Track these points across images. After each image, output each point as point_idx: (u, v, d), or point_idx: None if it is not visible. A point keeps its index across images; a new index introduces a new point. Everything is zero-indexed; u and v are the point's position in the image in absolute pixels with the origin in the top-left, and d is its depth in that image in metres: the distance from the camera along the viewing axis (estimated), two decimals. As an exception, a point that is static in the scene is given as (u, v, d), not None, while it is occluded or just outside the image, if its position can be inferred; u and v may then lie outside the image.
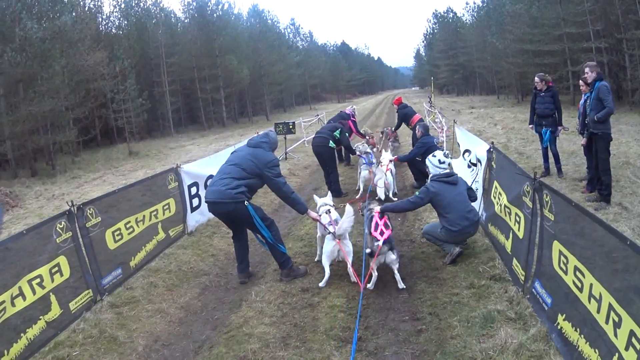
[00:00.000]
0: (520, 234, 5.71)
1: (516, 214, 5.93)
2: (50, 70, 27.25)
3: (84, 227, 6.27)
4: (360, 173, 11.80)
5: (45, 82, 27.51)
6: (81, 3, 41.95)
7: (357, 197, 11.30)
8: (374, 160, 11.95)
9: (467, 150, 10.78)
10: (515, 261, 5.86)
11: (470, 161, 10.02)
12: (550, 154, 11.59)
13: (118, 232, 6.99)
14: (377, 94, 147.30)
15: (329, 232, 6.66)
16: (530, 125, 12.12)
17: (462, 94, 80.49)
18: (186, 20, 54.78)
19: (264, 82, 61.54)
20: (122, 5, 48.80)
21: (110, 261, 6.77)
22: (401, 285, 6.34)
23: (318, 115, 29.76)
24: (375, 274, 6.46)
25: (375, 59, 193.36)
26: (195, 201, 9.71)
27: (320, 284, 6.51)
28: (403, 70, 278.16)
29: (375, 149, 13.90)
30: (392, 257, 6.37)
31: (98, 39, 39.30)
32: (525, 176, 5.66)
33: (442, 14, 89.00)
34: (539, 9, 39.10)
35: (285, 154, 18.50)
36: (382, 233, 6.45)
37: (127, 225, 7.23)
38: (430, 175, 7.51)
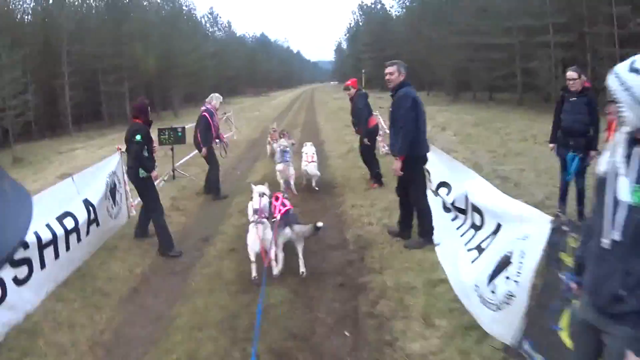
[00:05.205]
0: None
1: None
2: None
3: None
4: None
5: None
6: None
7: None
8: (288, 158, 11.62)
9: (443, 184, 7.71)
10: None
11: (452, 204, 7.13)
12: (571, 188, 8.18)
13: None
14: (295, 88, 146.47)
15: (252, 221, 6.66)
16: (552, 145, 8.40)
17: (388, 90, 77.32)
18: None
19: (174, 73, 55.79)
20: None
21: None
22: (302, 269, 6.40)
23: (226, 113, 24.38)
24: (281, 254, 6.53)
25: (295, 52, 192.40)
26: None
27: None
28: (322, 64, 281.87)
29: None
30: (286, 231, 6.50)
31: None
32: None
33: (370, 5, 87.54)
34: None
35: (173, 172, 13.24)
36: (279, 211, 6.69)
37: None
38: None
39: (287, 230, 6.48)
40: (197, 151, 11.74)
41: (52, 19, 42.05)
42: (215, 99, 11.36)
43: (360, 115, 11.06)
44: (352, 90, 11.38)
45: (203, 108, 11.20)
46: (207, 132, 10.93)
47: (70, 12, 43.74)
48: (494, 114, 29.29)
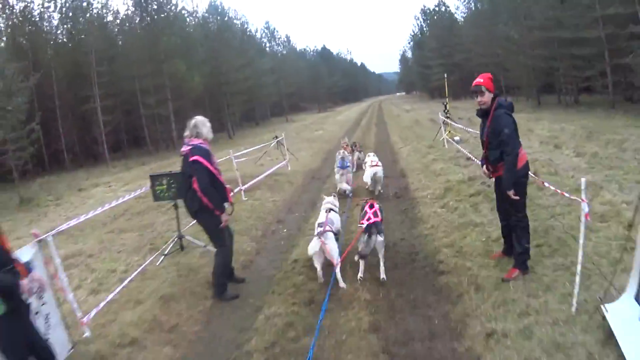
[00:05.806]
0: None
1: None
2: None
3: None
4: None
5: None
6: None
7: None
8: (349, 165, 12.62)
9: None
10: None
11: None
12: None
13: None
14: (361, 102, 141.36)
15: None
16: None
17: (458, 98, 71.73)
18: (130, 20, 45.16)
19: (225, 91, 51.35)
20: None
21: None
22: (382, 275, 6.48)
23: (277, 137, 20.03)
24: (362, 261, 6.61)
25: (358, 64, 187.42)
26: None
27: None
28: (387, 76, 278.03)
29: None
30: (379, 239, 6.49)
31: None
32: None
33: (433, 9, 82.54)
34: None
35: (180, 241, 8.48)
36: (369, 219, 6.64)
37: None
38: None
39: (375, 237, 6.43)
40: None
41: (77, 37, 39.50)
42: (201, 125, 6.46)
43: (507, 144, 5.77)
44: (487, 96, 5.95)
45: (188, 148, 6.35)
46: (213, 188, 6.31)
47: (98, 29, 40.32)
48: (595, 121, 23.37)
